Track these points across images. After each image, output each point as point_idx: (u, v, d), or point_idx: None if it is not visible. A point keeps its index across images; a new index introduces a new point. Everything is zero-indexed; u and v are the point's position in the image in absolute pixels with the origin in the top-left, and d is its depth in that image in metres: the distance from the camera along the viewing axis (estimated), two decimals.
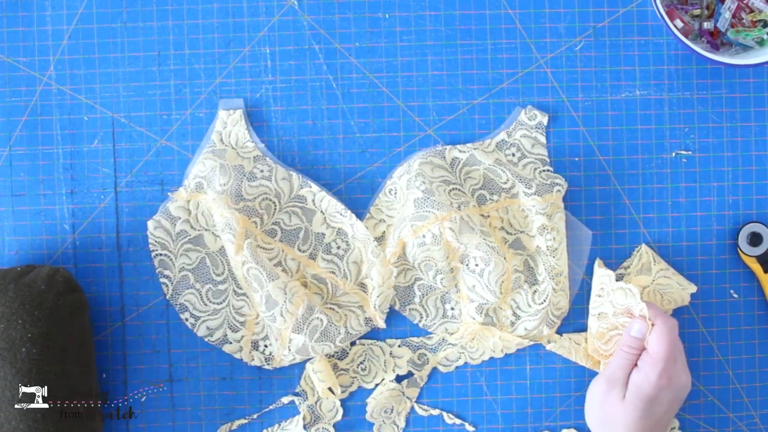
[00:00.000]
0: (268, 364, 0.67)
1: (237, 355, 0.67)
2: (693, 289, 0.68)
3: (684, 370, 0.62)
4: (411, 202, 0.65)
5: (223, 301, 0.67)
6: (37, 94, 0.68)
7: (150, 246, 0.67)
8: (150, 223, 0.67)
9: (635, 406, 0.60)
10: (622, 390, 0.61)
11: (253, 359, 0.67)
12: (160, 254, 0.67)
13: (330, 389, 0.67)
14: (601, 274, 0.66)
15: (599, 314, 0.66)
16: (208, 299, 0.67)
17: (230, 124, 0.68)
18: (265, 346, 0.67)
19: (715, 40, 0.68)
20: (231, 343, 0.67)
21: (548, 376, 0.69)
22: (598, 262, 0.68)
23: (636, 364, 0.61)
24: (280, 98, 0.69)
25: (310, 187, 0.67)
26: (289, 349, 0.65)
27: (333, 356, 0.68)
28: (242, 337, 0.67)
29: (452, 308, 0.67)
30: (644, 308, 0.61)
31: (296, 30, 0.69)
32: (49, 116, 0.68)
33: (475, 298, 0.66)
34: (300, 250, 0.67)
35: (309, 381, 0.68)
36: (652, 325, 0.60)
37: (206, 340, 0.67)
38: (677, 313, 0.69)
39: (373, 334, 0.68)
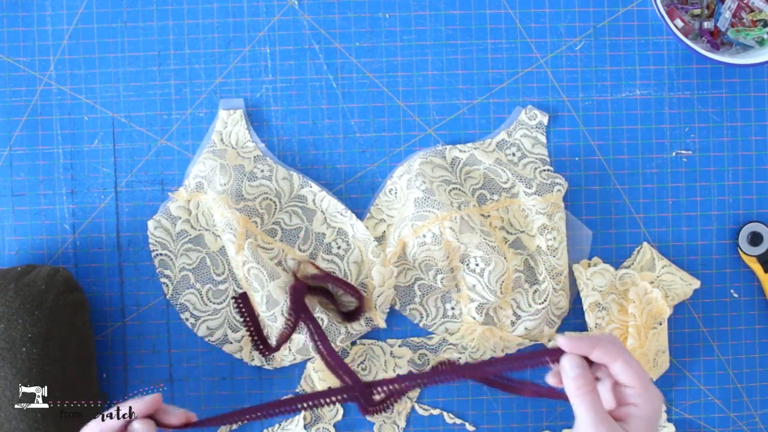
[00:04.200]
0: (269, 364, 0.67)
1: (237, 355, 0.67)
2: (697, 284, 0.68)
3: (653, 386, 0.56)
4: (411, 201, 0.65)
5: (224, 301, 0.67)
6: (37, 94, 0.68)
7: (150, 246, 0.67)
8: (150, 223, 0.67)
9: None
10: (619, 427, 0.53)
11: (253, 359, 0.67)
12: (161, 254, 0.67)
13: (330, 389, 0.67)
14: (594, 271, 0.67)
15: (589, 305, 0.67)
16: (208, 299, 0.67)
17: (231, 124, 0.68)
18: (266, 339, 0.66)
19: (716, 39, 0.68)
20: (231, 343, 0.67)
21: (546, 369, 0.69)
22: (582, 263, 0.68)
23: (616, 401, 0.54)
24: (280, 98, 0.69)
25: (311, 186, 0.67)
26: (290, 349, 0.65)
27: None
28: (242, 337, 0.67)
29: (452, 308, 0.67)
30: (559, 343, 0.55)
31: (296, 30, 0.69)
32: (49, 116, 0.68)
33: (475, 297, 0.66)
34: (300, 250, 0.67)
35: (309, 381, 0.68)
36: (586, 358, 0.54)
37: (206, 340, 0.67)
38: (677, 311, 0.69)
39: (374, 334, 0.68)
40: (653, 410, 0.53)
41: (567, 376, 0.54)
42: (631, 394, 0.53)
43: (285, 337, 0.64)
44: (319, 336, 0.63)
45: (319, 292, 0.66)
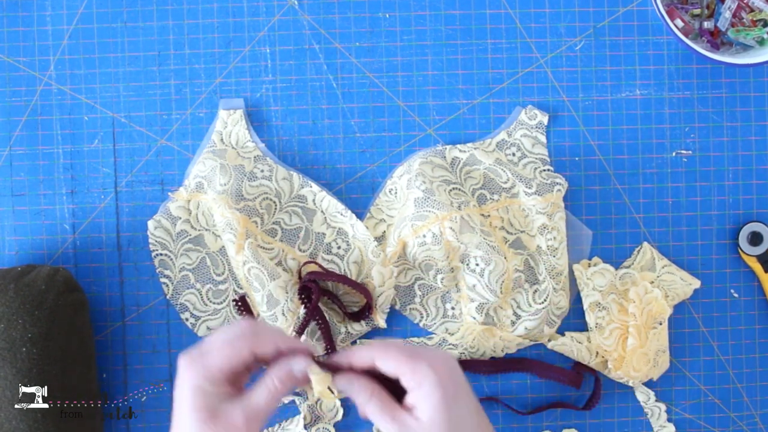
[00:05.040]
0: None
1: None
2: (697, 284, 0.68)
3: (432, 349, 0.55)
4: (411, 201, 0.65)
5: (224, 301, 0.67)
6: (37, 94, 0.68)
7: (150, 246, 0.67)
8: (150, 223, 0.67)
9: (441, 420, 0.50)
10: (410, 418, 0.51)
11: None
12: (161, 254, 0.67)
13: (330, 389, 0.67)
14: (594, 271, 0.67)
15: (589, 305, 0.67)
16: (208, 299, 0.67)
17: (231, 124, 0.68)
18: None
19: (716, 39, 0.68)
20: None
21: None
22: (582, 263, 0.68)
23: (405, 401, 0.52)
24: (280, 98, 0.69)
25: (311, 186, 0.67)
26: None
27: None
28: None
29: (453, 308, 0.67)
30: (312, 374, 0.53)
31: (296, 30, 0.69)
32: (49, 116, 0.68)
33: (475, 297, 0.66)
34: (300, 250, 0.67)
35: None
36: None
37: None
38: (677, 311, 0.69)
39: (374, 333, 0.68)
40: (434, 386, 0.50)
41: (347, 394, 0.53)
42: (403, 382, 0.51)
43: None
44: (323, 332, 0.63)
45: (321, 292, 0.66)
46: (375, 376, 0.53)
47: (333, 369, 0.54)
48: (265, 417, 0.51)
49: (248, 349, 0.51)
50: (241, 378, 0.52)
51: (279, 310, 0.63)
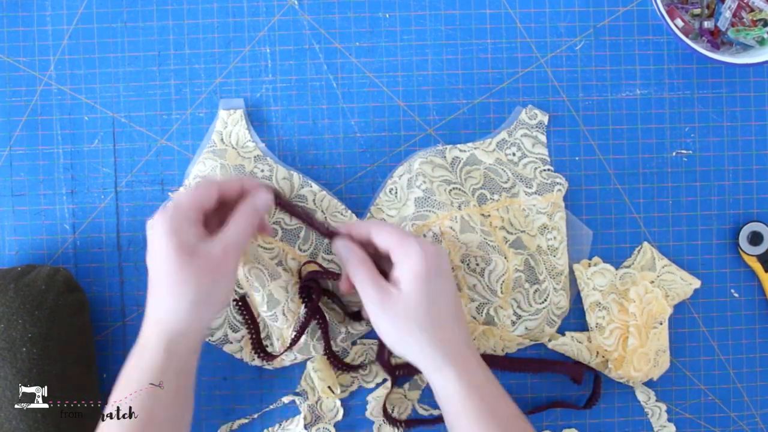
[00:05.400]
0: (269, 364, 0.67)
1: (238, 355, 0.67)
2: (697, 283, 0.68)
3: (425, 240, 0.58)
4: (412, 201, 0.65)
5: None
6: (37, 94, 0.68)
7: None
8: (149, 223, 0.67)
9: (418, 290, 0.55)
10: (393, 287, 0.56)
11: (254, 359, 0.67)
12: None
13: (330, 388, 0.67)
14: (594, 271, 0.67)
15: (590, 305, 0.67)
16: None
17: (231, 124, 0.68)
18: (266, 346, 0.66)
19: (716, 39, 0.68)
20: (232, 343, 0.67)
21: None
22: (582, 263, 0.68)
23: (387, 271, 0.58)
24: (280, 98, 0.69)
25: (311, 186, 0.67)
26: (291, 349, 0.65)
27: (330, 360, 0.68)
28: (243, 337, 0.67)
29: None
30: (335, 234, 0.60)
31: (296, 30, 0.69)
32: (49, 116, 0.68)
33: (476, 297, 0.66)
34: (300, 250, 0.66)
35: (309, 380, 0.68)
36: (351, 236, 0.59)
37: (207, 340, 0.67)
38: (678, 311, 0.69)
39: (374, 333, 0.68)
40: (418, 261, 0.55)
41: (341, 257, 0.58)
42: (393, 256, 0.56)
43: (294, 341, 0.63)
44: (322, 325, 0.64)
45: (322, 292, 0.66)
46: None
47: (332, 235, 0.60)
48: (239, 249, 0.55)
49: (216, 188, 0.56)
50: (210, 230, 0.56)
51: (279, 310, 0.63)
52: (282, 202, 0.60)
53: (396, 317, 0.55)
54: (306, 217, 0.62)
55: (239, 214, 0.56)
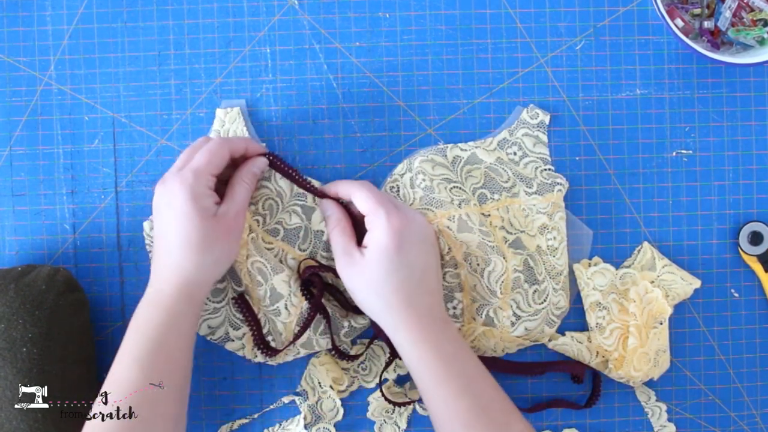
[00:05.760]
0: (272, 359, 0.67)
1: (240, 353, 0.67)
2: (697, 283, 0.68)
3: (411, 211, 0.63)
4: (417, 201, 0.65)
5: (223, 299, 0.67)
6: (37, 94, 0.68)
7: (147, 246, 0.67)
8: (146, 224, 0.67)
9: (379, 260, 0.59)
10: (359, 252, 0.61)
11: (256, 356, 0.67)
12: None
13: (331, 387, 0.67)
14: (594, 271, 0.67)
15: (590, 304, 0.67)
16: (208, 298, 0.67)
17: (228, 122, 0.68)
18: (268, 342, 0.66)
19: (716, 39, 0.68)
20: (233, 340, 0.67)
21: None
22: (582, 263, 0.68)
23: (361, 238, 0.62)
24: (280, 98, 0.69)
25: (310, 184, 0.67)
26: (294, 343, 0.65)
27: (334, 355, 0.68)
28: (244, 334, 0.67)
29: (454, 307, 0.67)
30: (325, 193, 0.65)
31: (296, 30, 0.69)
32: (49, 116, 0.68)
33: (476, 298, 0.66)
34: (300, 250, 0.66)
35: (309, 380, 0.68)
36: (339, 200, 0.65)
37: (208, 338, 0.67)
38: (678, 311, 0.69)
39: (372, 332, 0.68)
40: (380, 237, 0.60)
41: (324, 216, 0.65)
42: (365, 221, 0.62)
43: (297, 336, 0.64)
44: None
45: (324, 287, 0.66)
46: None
47: (321, 195, 0.65)
48: (245, 211, 0.62)
49: (228, 150, 0.61)
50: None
51: (282, 304, 0.63)
52: (275, 164, 0.65)
53: (358, 281, 0.61)
54: (298, 178, 0.65)
55: (242, 179, 0.62)
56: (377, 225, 0.60)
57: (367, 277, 0.60)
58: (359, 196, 0.62)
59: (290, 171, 0.65)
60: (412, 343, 0.59)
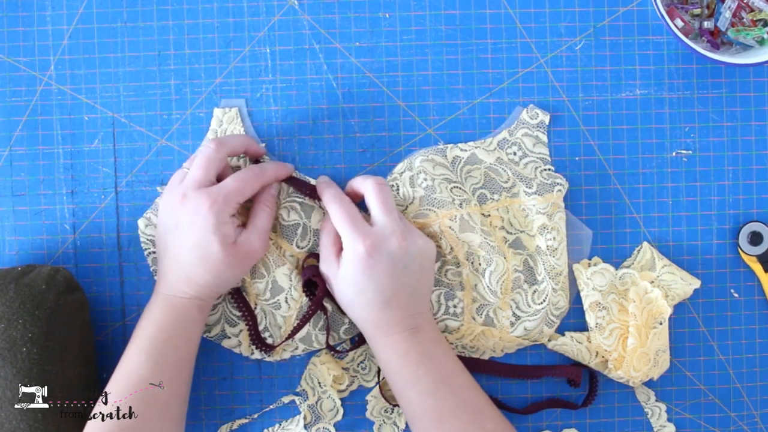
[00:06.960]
0: (269, 355, 0.67)
1: (237, 350, 0.67)
2: (697, 283, 0.68)
3: (412, 234, 0.62)
4: (417, 200, 0.65)
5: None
6: (37, 94, 0.68)
7: (142, 244, 0.67)
8: (141, 222, 0.67)
9: (346, 280, 0.61)
10: (337, 260, 0.62)
11: (253, 353, 0.67)
12: (153, 252, 0.67)
13: (332, 386, 0.67)
14: (594, 271, 0.67)
15: (590, 305, 0.67)
16: None
17: (226, 122, 0.68)
18: (264, 338, 0.66)
19: (716, 39, 0.68)
20: (230, 337, 0.67)
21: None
22: (582, 263, 0.68)
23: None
24: (280, 98, 0.69)
25: (310, 182, 0.67)
26: (293, 338, 0.65)
27: (333, 355, 0.68)
28: (240, 331, 0.67)
29: (455, 306, 0.67)
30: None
31: (296, 30, 0.69)
32: (49, 116, 0.68)
33: (476, 297, 0.66)
34: (299, 247, 0.66)
35: (309, 380, 0.68)
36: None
37: (205, 335, 0.67)
38: (677, 311, 0.69)
39: None
40: (349, 254, 0.60)
41: (324, 201, 0.64)
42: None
43: (295, 330, 0.64)
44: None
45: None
46: None
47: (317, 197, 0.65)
48: (267, 236, 0.63)
49: (259, 183, 0.63)
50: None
51: (282, 297, 0.64)
52: (293, 182, 0.66)
53: (335, 285, 0.62)
54: (306, 187, 0.66)
55: (264, 204, 0.64)
56: (349, 242, 0.61)
57: (339, 287, 0.62)
58: (368, 196, 0.63)
59: (299, 182, 0.66)
60: (380, 349, 0.62)
